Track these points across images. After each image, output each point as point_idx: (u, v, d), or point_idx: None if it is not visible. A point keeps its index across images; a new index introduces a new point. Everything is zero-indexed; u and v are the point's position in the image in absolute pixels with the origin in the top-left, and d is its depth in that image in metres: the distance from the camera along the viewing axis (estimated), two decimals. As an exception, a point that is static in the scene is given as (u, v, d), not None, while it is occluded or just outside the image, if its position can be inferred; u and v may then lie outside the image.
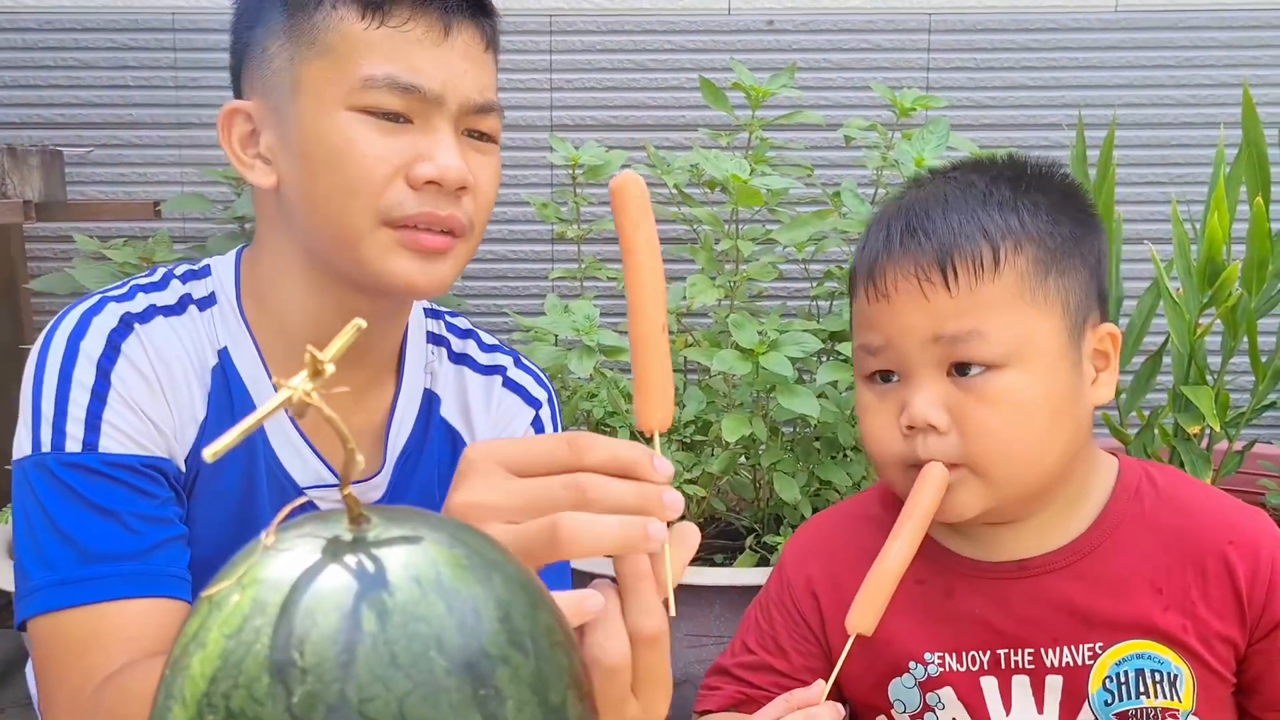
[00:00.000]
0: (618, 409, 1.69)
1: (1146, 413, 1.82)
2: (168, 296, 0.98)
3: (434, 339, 1.10)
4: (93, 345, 0.92)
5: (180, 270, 1.01)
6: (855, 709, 1.03)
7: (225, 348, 0.98)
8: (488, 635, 0.50)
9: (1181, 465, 1.71)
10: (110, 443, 0.90)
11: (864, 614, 0.85)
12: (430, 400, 1.07)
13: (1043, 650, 0.93)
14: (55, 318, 0.95)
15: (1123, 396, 1.82)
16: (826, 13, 2.24)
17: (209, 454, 0.50)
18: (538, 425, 1.12)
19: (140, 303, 0.96)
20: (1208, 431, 1.73)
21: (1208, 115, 2.25)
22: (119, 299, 0.96)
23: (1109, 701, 0.92)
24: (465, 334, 1.14)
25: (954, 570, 0.97)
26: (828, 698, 0.85)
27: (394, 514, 0.55)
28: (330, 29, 0.90)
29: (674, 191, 1.81)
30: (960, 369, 0.88)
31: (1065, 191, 0.95)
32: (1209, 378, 1.75)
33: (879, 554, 0.86)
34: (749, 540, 1.71)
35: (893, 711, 0.98)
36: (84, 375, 0.91)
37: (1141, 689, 0.91)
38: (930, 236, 0.90)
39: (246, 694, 0.47)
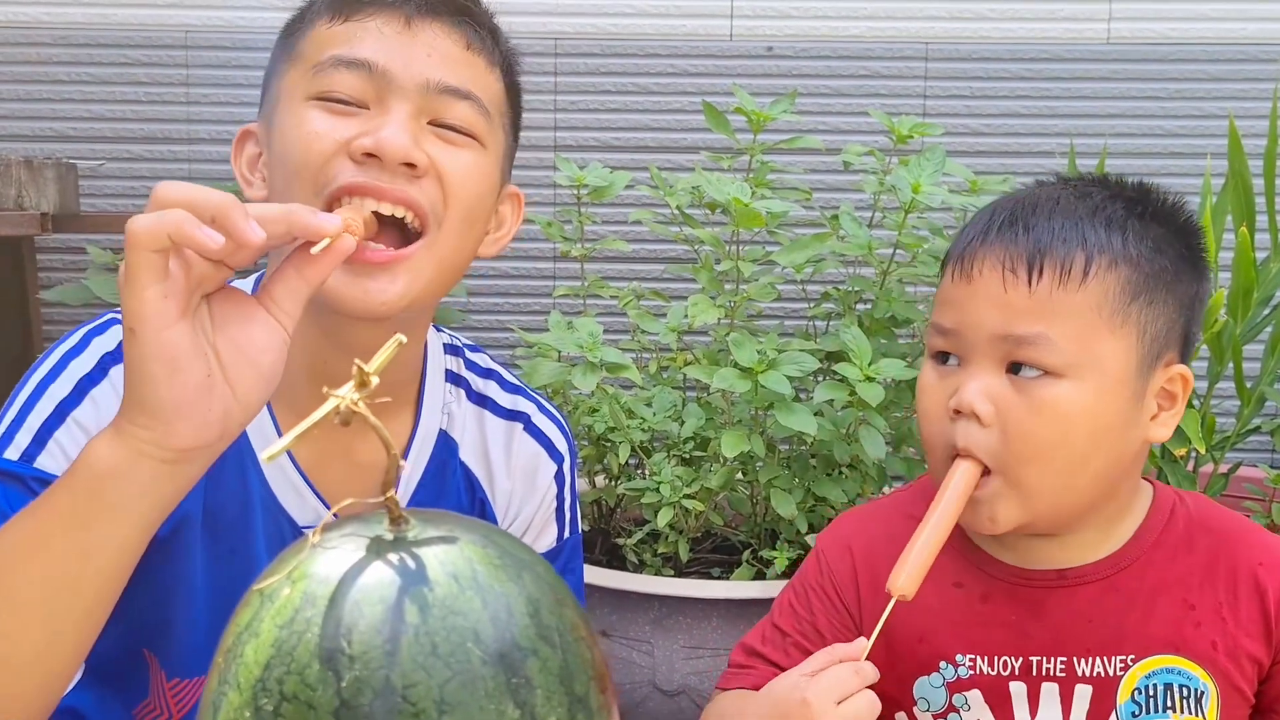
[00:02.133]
0: (619, 424, 1.73)
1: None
2: None
3: (452, 378, 1.06)
4: (82, 365, 0.90)
5: None
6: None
7: None
8: (519, 629, 0.54)
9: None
10: (49, 460, 0.86)
11: (908, 576, 0.86)
12: (446, 443, 1.04)
13: (1075, 660, 0.95)
14: (68, 332, 0.95)
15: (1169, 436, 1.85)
16: (825, 40, 2.30)
17: (265, 457, 0.54)
18: (560, 480, 1.10)
19: None
20: (1194, 454, 1.77)
21: (1195, 146, 2.30)
22: None
23: (1136, 714, 0.94)
24: (487, 373, 1.09)
25: (993, 576, 0.99)
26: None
27: (430, 516, 0.59)
28: (305, 38, 0.92)
29: (676, 212, 1.85)
30: (1016, 368, 0.89)
31: (1181, 229, 0.95)
32: (1195, 402, 1.79)
33: (920, 523, 0.89)
34: (745, 555, 1.75)
35: (915, 709, 1.00)
36: (60, 390, 0.89)
37: (1169, 703, 0.94)
38: (1029, 231, 0.90)
39: (299, 679, 0.51)
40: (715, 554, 1.82)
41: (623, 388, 1.87)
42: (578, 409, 1.77)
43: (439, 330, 1.09)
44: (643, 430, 1.75)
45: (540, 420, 1.10)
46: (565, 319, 1.76)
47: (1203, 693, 0.94)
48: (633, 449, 1.73)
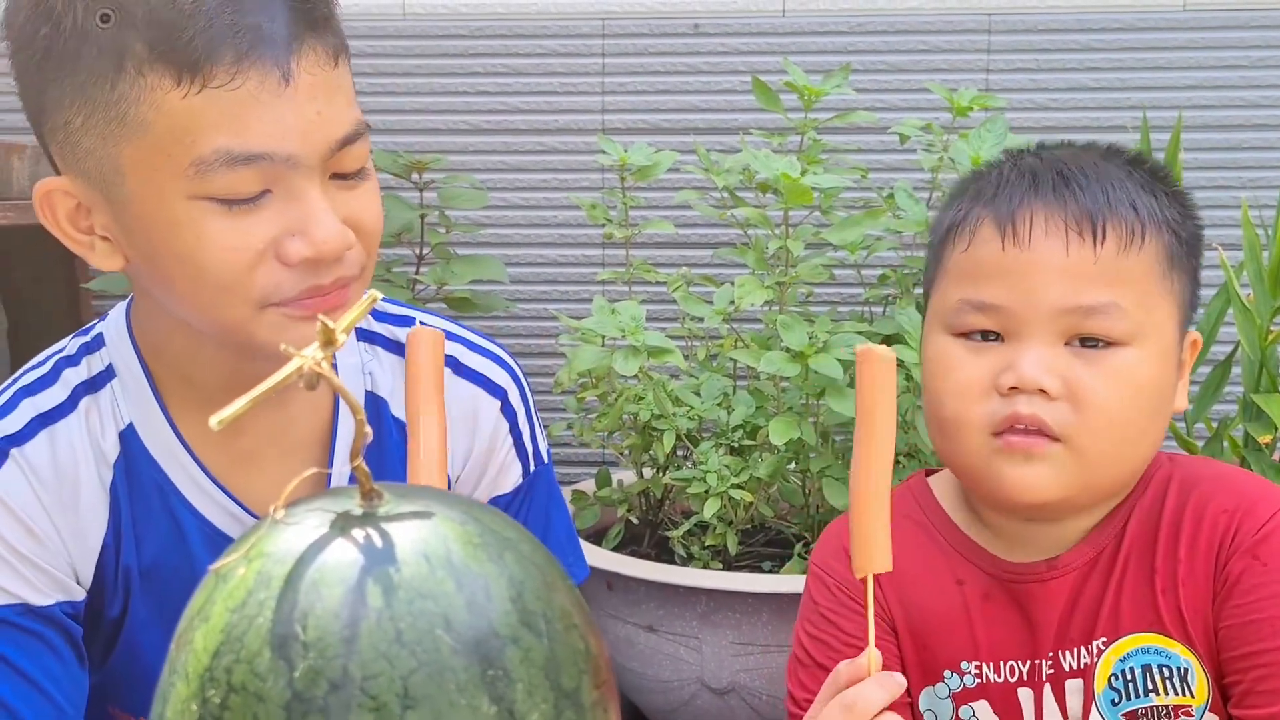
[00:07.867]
0: (665, 412, 1.67)
1: (1215, 423, 1.76)
2: (56, 394, 0.89)
3: (365, 336, 0.98)
4: None
5: (73, 348, 0.92)
6: None
7: (130, 424, 0.89)
8: (498, 615, 0.48)
9: (1251, 477, 1.64)
10: None
11: (871, 553, 0.72)
12: (375, 405, 0.97)
13: (1060, 654, 0.89)
14: None
15: (1190, 406, 1.76)
16: (882, 14, 2.21)
17: (215, 422, 0.48)
18: (509, 414, 1.02)
19: (22, 415, 0.87)
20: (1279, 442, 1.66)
21: (1280, 117, 2.18)
22: None
23: (1116, 701, 0.87)
24: (402, 320, 1.00)
25: (989, 573, 0.92)
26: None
27: (407, 490, 0.54)
28: (141, 101, 0.75)
29: (724, 194, 1.79)
30: (1084, 341, 0.84)
31: (1184, 197, 0.92)
32: (1283, 385, 1.68)
33: (853, 479, 0.73)
34: (797, 548, 1.68)
35: None
36: None
37: (1150, 686, 0.86)
38: (1085, 191, 0.85)
39: (248, 669, 0.46)
40: (767, 547, 1.75)
41: (671, 375, 1.80)
42: (621, 396, 1.71)
43: None
44: (690, 418, 1.68)
45: (470, 359, 1.01)
46: (609, 304, 1.71)
47: (1186, 670, 0.86)
48: (679, 438, 1.67)
